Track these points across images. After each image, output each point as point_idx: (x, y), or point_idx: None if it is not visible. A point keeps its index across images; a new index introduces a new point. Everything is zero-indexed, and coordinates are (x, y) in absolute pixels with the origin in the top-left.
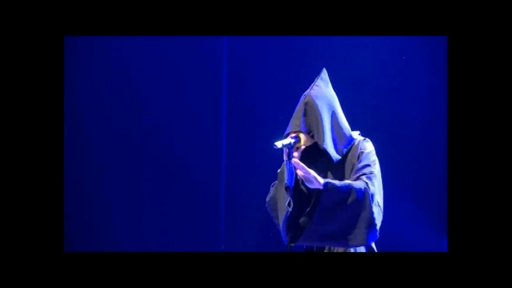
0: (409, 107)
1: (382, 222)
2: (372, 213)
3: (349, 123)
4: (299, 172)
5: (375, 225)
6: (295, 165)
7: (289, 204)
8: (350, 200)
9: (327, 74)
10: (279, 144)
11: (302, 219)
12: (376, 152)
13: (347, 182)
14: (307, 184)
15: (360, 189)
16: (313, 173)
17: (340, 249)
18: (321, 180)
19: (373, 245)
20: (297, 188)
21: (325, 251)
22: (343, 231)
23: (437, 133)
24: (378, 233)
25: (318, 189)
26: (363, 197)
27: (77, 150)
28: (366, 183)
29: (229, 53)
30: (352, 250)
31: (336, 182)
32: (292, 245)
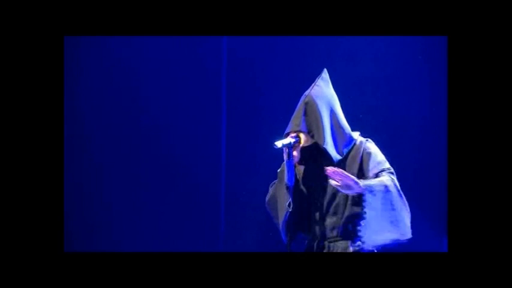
0: (409, 107)
1: None
2: (407, 203)
3: (349, 123)
4: (333, 182)
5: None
6: (330, 175)
7: (289, 205)
8: (390, 197)
9: (327, 74)
10: (279, 143)
11: (360, 228)
12: None
13: (376, 180)
14: (343, 191)
15: (392, 185)
16: (351, 177)
17: (340, 249)
18: (361, 183)
19: None
20: (297, 187)
21: (325, 251)
22: (394, 229)
23: (437, 133)
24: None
25: (355, 192)
26: (398, 191)
27: (77, 150)
28: (391, 178)
29: (229, 53)
30: (351, 250)
31: (370, 183)
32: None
